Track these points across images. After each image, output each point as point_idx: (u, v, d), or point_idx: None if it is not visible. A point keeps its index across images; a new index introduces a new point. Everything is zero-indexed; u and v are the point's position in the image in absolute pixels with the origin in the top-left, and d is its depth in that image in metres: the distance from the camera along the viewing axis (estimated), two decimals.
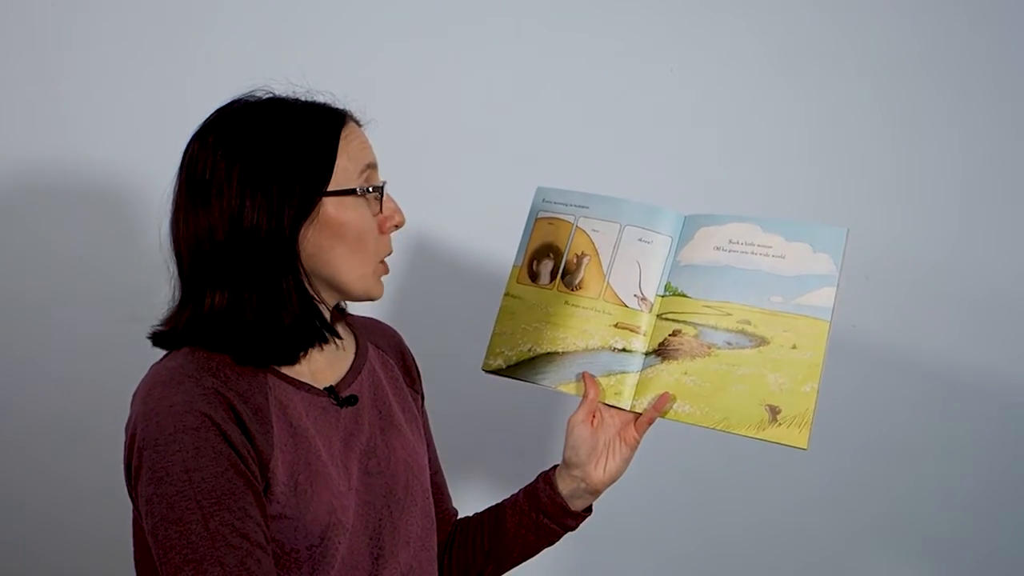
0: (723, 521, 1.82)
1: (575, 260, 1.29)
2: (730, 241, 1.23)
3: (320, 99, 1.15)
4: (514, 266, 1.33)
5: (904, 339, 1.78)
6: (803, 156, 1.75)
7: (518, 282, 1.33)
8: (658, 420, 1.22)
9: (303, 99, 1.14)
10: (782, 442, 1.16)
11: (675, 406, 1.21)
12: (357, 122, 1.17)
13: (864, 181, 1.75)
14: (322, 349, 1.15)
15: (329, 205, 1.09)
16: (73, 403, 1.70)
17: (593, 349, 1.26)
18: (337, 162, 1.10)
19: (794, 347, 1.17)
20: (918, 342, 1.77)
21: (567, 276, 1.29)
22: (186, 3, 1.66)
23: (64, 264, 1.68)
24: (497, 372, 1.31)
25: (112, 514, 1.51)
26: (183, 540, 0.98)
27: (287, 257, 1.08)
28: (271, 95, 1.14)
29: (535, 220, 1.33)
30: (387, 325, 1.34)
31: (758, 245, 1.22)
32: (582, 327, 1.27)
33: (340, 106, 1.16)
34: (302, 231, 1.09)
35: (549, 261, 1.31)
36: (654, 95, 1.73)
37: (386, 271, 1.17)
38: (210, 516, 0.99)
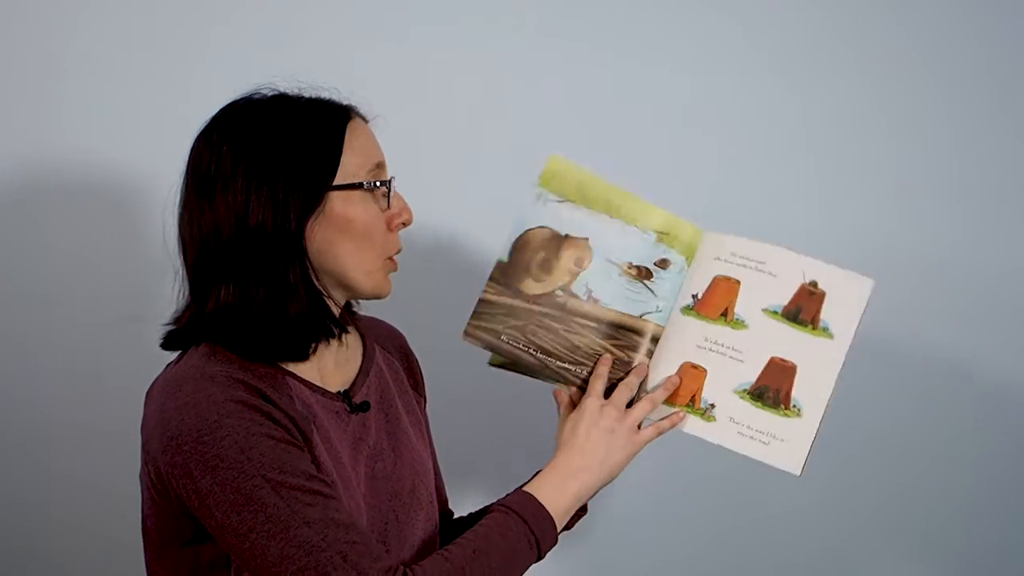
0: (722, 520, 1.83)
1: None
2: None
3: (325, 95, 1.14)
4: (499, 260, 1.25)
5: (903, 338, 1.78)
6: (803, 156, 1.75)
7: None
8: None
9: (308, 95, 1.13)
10: None
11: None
12: (363, 118, 1.16)
13: (864, 181, 1.76)
14: (328, 344, 1.14)
15: (335, 199, 1.09)
16: (74, 402, 1.66)
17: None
18: (343, 156, 1.10)
19: None
20: (917, 341, 1.79)
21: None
22: (186, 2, 1.62)
23: (65, 263, 1.64)
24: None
25: (112, 513, 1.50)
26: (261, 516, 0.97)
27: (294, 251, 1.07)
28: (276, 92, 1.13)
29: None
30: (391, 326, 1.32)
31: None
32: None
33: (345, 102, 1.15)
34: (309, 225, 1.08)
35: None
36: (654, 95, 1.72)
37: (394, 268, 1.16)
38: (279, 485, 0.98)
